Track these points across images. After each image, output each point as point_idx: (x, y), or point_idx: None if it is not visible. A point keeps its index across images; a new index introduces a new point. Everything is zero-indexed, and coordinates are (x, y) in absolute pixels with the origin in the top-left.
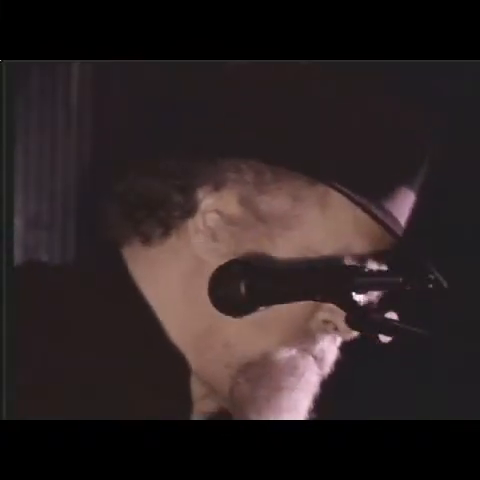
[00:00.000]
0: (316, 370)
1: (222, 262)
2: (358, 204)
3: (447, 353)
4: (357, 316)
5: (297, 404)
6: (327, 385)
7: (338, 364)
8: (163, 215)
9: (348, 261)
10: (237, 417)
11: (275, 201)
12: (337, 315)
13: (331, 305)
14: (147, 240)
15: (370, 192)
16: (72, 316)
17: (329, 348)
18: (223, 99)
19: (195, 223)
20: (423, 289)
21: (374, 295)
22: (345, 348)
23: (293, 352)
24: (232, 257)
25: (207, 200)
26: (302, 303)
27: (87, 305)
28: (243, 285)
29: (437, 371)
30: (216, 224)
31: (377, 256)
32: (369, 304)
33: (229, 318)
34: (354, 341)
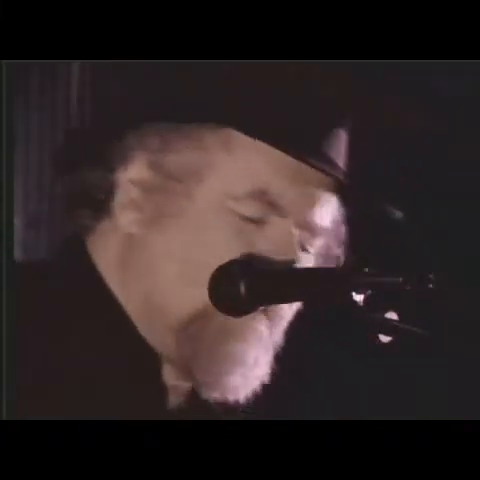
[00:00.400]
0: (265, 320)
1: (148, 232)
2: (262, 140)
3: (447, 353)
4: (357, 316)
5: (244, 356)
6: (288, 338)
7: (299, 318)
8: (93, 201)
9: (270, 197)
10: (192, 382)
11: (181, 157)
12: None
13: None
14: (88, 229)
15: (282, 130)
16: (72, 316)
17: None
18: (223, 99)
19: (118, 200)
20: (423, 289)
21: (374, 295)
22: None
23: None
24: (154, 225)
25: (122, 175)
26: (232, 240)
27: (87, 305)
28: (243, 285)
29: (437, 371)
30: (135, 195)
31: (304, 198)
32: (369, 304)
33: (161, 282)
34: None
